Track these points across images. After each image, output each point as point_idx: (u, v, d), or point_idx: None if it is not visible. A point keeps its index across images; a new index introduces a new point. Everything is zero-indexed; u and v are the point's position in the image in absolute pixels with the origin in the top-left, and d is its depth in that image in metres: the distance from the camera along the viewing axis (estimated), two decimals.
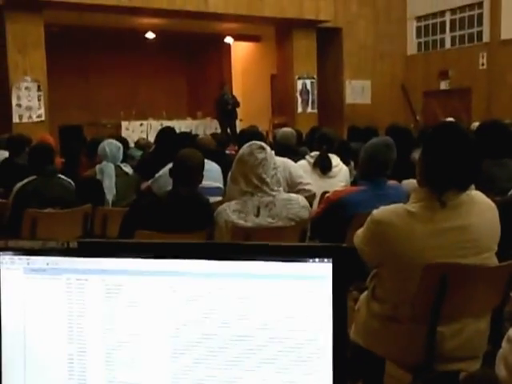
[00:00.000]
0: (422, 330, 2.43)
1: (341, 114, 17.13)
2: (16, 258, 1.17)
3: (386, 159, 3.83)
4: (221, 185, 5.23)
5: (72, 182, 5.07)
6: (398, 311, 2.49)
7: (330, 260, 1.07)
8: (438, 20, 17.83)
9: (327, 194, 4.18)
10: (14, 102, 13.02)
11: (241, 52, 19.71)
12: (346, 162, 5.75)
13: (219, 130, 15.15)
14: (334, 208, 3.87)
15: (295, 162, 5.26)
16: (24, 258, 1.17)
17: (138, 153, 8.35)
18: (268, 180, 3.51)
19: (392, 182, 3.96)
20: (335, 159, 5.42)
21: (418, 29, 18.47)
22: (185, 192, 3.79)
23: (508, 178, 4.30)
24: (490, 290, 2.54)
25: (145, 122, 15.57)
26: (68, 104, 16.26)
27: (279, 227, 3.52)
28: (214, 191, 4.80)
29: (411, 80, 18.09)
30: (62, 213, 4.71)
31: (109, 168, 5.45)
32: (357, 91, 17.58)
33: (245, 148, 3.60)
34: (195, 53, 19.01)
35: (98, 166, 5.51)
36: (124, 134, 13.71)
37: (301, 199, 3.68)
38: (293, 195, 3.75)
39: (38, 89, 13.20)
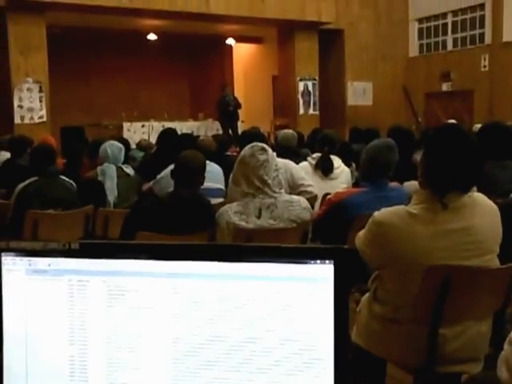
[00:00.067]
0: (423, 331, 2.42)
1: (342, 116, 17.13)
2: (18, 259, 1.17)
3: (388, 161, 3.83)
4: (222, 186, 5.23)
5: (74, 184, 5.07)
6: (399, 313, 2.49)
7: (332, 262, 1.07)
8: (440, 22, 17.82)
9: (329, 196, 4.18)
10: (16, 103, 13.03)
11: (242, 53, 19.71)
12: (347, 163, 5.74)
13: (221, 132, 15.14)
14: (336, 210, 3.86)
15: (297, 163, 5.26)
16: (26, 259, 1.17)
17: (140, 154, 8.35)
18: (269, 181, 3.51)
19: (393, 184, 3.95)
20: (337, 161, 5.42)
21: (420, 30, 18.47)
22: (186, 193, 3.79)
23: (510, 180, 4.30)
24: (492, 292, 2.54)
25: (146, 124, 15.57)
26: (70, 105, 16.26)
27: (281, 229, 3.51)
28: (215, 193, 4.80)
29: (413, 82, 18.09)
30: (64, 214, 4.71)
31: (110, 169, 5.45)
32: (358, 93, 17.58)
33: (246, 149, 3.60)
34: (197, 54, 19.01)
35: (99, 168, 5.52)
36: (125, 135, 13.71)
37: (302, 201, 3.68)
38: (294, 197, 3.74)
39: (40, 90, 13.21)
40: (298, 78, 16.48)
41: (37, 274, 1.17)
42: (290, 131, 6.61)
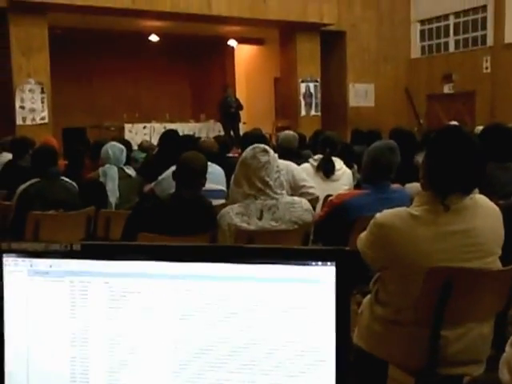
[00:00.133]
0: (425, 333, 2.42)
1: (344, 117, 17.13)
2: (19, 260, 1.17)
3: (390, 162, 3.83)
4: (224, 188, 5.23)
5: (75, 185, 5.07)
6: (401, 315, 2.48)
7: (334, 263, 1.07)
8: (442, 23, 17.82)
9: (330, 198, 4.17)
10: (18, 104, 13.03)
11: (244, 55, 19.72)
12: (349, 165, 5.75)
13: (222, 133, 15.14)
14: (338, 211, 3.86)
15: (298, 165, 5.26)
16: (27, 260, 1.17)
17: (141, 155, 8.36)
18: (271, 183, 3.50)
19: (395, 186, 3.95)
20: (338, 162, 5.42)
21: (422, 32, 18.47)
22: (188, 195, 3.79)
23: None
24: (493, 294, 2.53)
25: (148, 125, 15.59)
26: (71, 106, 16.27)
27: (282, 230, 3.51)
28: (216, 194, 4.80)
29: (415, 83, 18.09)
30: (65, 215, 4.71)
31: (112, 170, 5.46)
32: (360, 94, 17.58)
33: (248, 151, 3.60)
34: (199, 56, 19.01)
35: (101, 169, 5.52)
36: (127, 136, 13.73)
37: (304, 202, 3.68)
38: (296, 198, 3.74)
39: (42, 91, 13.22)
40: (300, 80, 16.48)
41: (38, 276, 1.17)
42: (291, 133, 6.61)
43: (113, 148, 5.62)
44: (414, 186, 3.91)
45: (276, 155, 3.72)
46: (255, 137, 5.50)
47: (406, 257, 2.43)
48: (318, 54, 16.57)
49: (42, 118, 13.25)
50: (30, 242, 1.20)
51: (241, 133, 14.47)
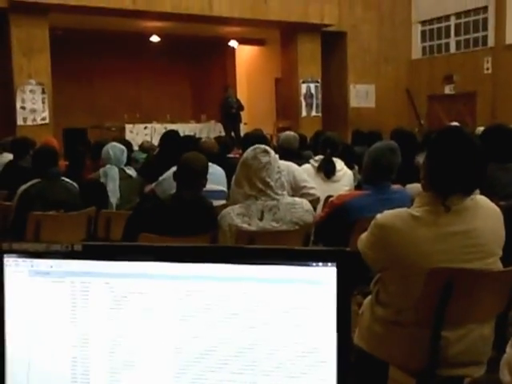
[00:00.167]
0: (425, 334, 2.42)
1: (345, 118, 17.14)
2: (20, 260, 1.17)
3: (390, 163, 3.83)
4: (224, 188, 5.23)
5: (76, 185, 5.07)
6: (401, 315, 2.48)
7: (334, 264, 1.07)
8: (443, 24, 17.82)
9: (331, 198, 4.17)
10: (19, 104, 13.05)
11: (245, 56, 19.73)
12: (350, 166, 5.75)
13: (223, 134, 15.15)
14: (338, 212, 3.86)
15: (299, 165, 5.26)
16: (28, 260, 1.17)
17: (142, 156, 8.37)
18: (272, 184, 3.50)
19: (396, 187, 3.95)
20: (339, 163, 5.42)
21: (423, 33, 18.47)
22: (188, 195, 3.79)
23: None
24: (494, 295, 2.53)
25: (149, 125, 15.60)
26: (72, 107, 16.28)
27: (283, 231, 3.51)
28: (217, 195, 4.80)
29: (416, 84, 18.09)
30: (66, 216, 4.71)
31: (113, 171, 5.46)
32: (361, 95, 17.58)
33: (249, 151, 3.60)
34: (200, 56, 19.02)
35: (101, 169, 5.52)
36: (128, 136, 13.74)
37: (305, 203, 3.68)
38: (297, 199, 3.74)
39: (43, 91, 13.23)
40: (301, 80, 16.49)
41: (39, 276, 1.17)
42: (292, 133, 6.60)
43: (113, 148, 5.62)
44: (414, 187, 3.91)
45: (277, 156, 3.72)
46: (256, 137, 5.50)
47: (407, 258, 2.43)
48: (318, 54, 16.57)
49: (43, 119, 13.27)
50: (31, 242, 1.20)
51: (242, 133, 14.47)
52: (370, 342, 2.62)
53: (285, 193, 3.62)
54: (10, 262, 1.17)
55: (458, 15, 17.35)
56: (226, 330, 1.10)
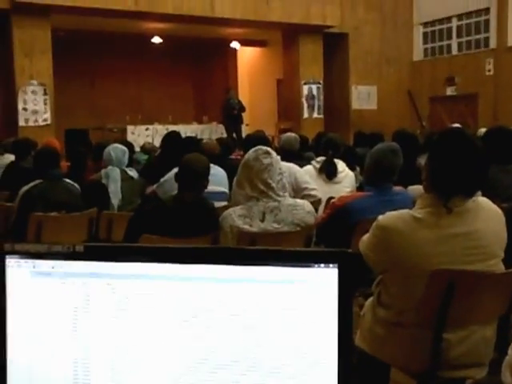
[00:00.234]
0: (427, 336, 2.41)
1: (347, 120, 17.14)
2: (22, 261, 1.17)
3: (392, 165, 3.82)
4: (226, 190, 5.23)
5: (77, 186, 5.07)
6: (403, 317, 2.48)
7: (336, 265, 1.07)
8: (445, 26, 17.83)
9: (333, 200, 4.16)
10: (20, 105, 13.06)
11: (247, 57, 19.75)
12: (351, 167, 5.74)
13: (225, 135, 15.16)
14: (340, 213, 3.85)
15: (300, 167, 5.26)
16: (30, 261, 1.17)
17: (144, 157, 8.37)
18: (273, 185, 3.50)
19: (398, 188, 3.94)
20: (341, 165, 5.42)
21: (425, 34, 18.48)
22: (190, 197, 3.79)
23: None
24: (496, 296, 2.53)
25: (150, 127, 15.61)
26: (74, 108, 16.31)
27: (284, 232, 3.51)
28: (219, 196, 4.80)
29: (417, 86, 18.09)
30: (68, 217, 4.71)
31: (114, 172, 5.46)
32: (363, 97, 17.58)
33: (250, 153, 3.60)
34: (201, 57, 19.05)
35: (103, 171, 5.52)
36: (130, 138, 13.74)
37: (306, 204, 3.68)
38: (298, 200, 3.74)
39: (45, 93, 13.25)
40: (303, 82, 16.50)
41: (41, 277, 1.17)
42: (293, 135, 6.60)
43: (115, 150, 5.62)
44: (416, 189, 3.90)
45: (279, 157, 3.72)
46: (258, 139, 5.49)
47: (409, 259, 2.42)
48: (320, 56, 16.58)
49: (45, 120, 13.28)
50: (33, 243, 1.20)
51: (243, 135, 14.49)
52: (371, 343, 2.62)
53: (286, 194, 3.62)
54: (11, 262, 1.17)
55: (459, 17, 17.35)
56: (228, 331, 1.10)
